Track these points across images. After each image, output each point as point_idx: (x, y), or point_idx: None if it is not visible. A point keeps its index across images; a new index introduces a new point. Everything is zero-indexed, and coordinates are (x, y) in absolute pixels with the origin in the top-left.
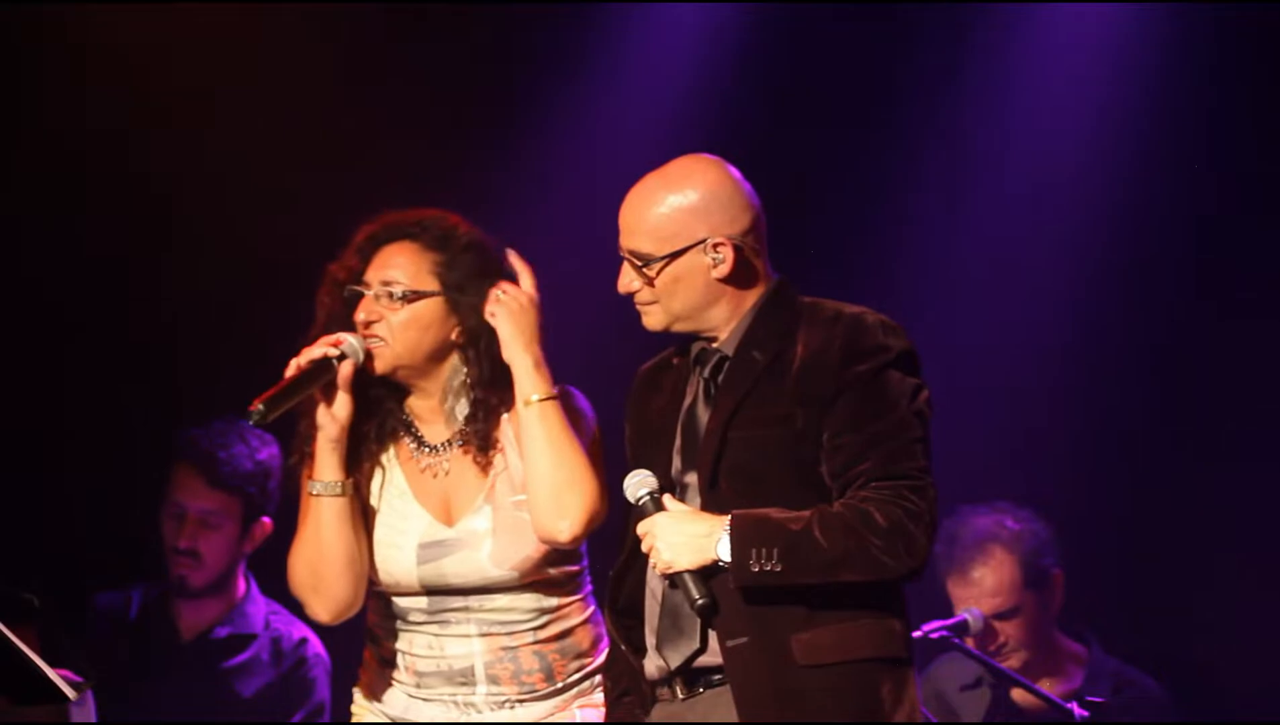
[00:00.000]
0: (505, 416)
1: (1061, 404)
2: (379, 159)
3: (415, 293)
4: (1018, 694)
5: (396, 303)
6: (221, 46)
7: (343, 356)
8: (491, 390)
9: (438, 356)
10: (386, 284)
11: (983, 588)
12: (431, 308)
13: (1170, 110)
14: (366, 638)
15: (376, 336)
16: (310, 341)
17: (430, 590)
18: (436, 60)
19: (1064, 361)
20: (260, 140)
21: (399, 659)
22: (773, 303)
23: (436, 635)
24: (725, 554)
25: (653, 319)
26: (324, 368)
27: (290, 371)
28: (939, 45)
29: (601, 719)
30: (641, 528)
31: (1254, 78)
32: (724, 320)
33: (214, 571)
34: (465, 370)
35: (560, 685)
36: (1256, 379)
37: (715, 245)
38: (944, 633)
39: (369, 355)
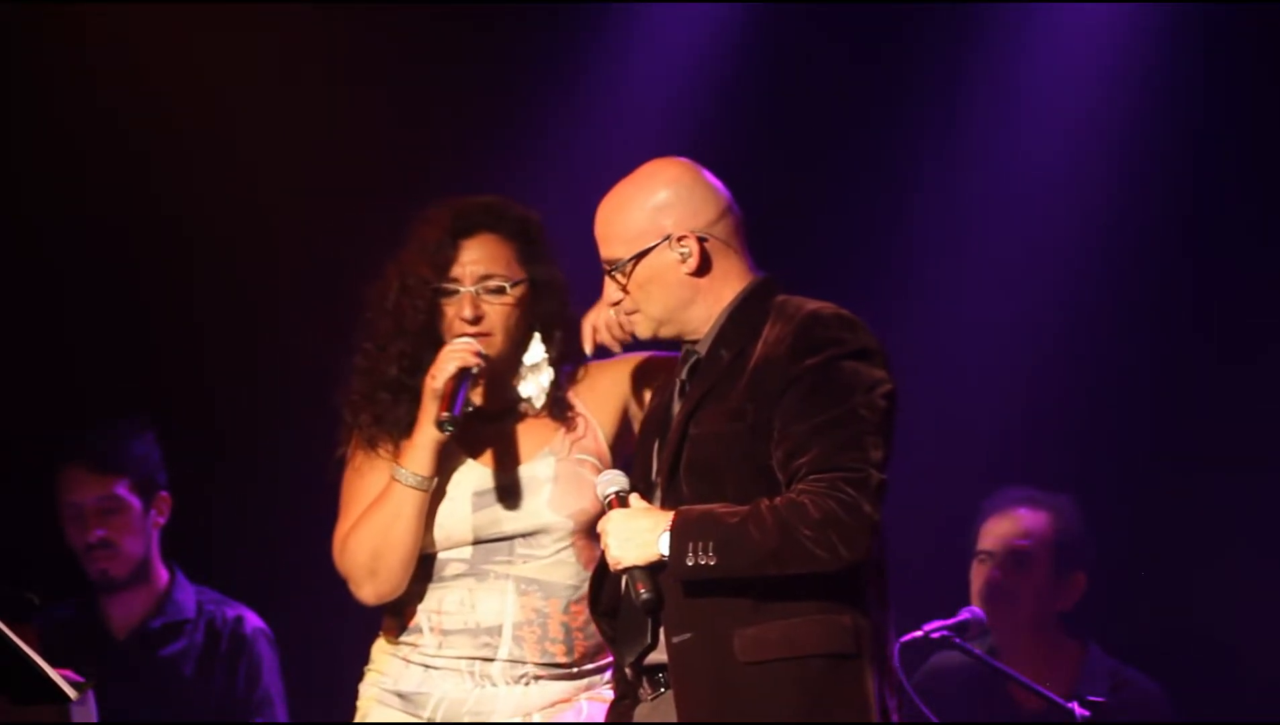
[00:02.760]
0: (576, 393)
1: (1062, 405)
2: (379, 159)
3: (515, 282)
4: (1017, 693)
5: (496, 296)
6: (220, 46)
7: (482, 367)
8: (562, 363)
9: (524, 341)
10: (484, 278)
11: (1014, 525)
12: (524, 295)
13: (1171, 111)
14: (386, 610)
15: (485, 332)
16: (399, 346)
17: (480, 539)
18: (436, 60)
19: (1065, 362)
20: (260, 141)
21: (424, 621)
22: (746, 301)
23: (471, 590)
24: (665, 549)
25: (640, 327)
26: (467, 374)
27: (446, 382)
28: (940, 46)
29: (604, 716)
30: (599, 527)
31: (1255, 78)
32: (703, 320)
33: (132, 557)
34: (543, 348)
35: (575, 670)
36: (1257, 379)
37: (679, 239)
38: (944, 633)
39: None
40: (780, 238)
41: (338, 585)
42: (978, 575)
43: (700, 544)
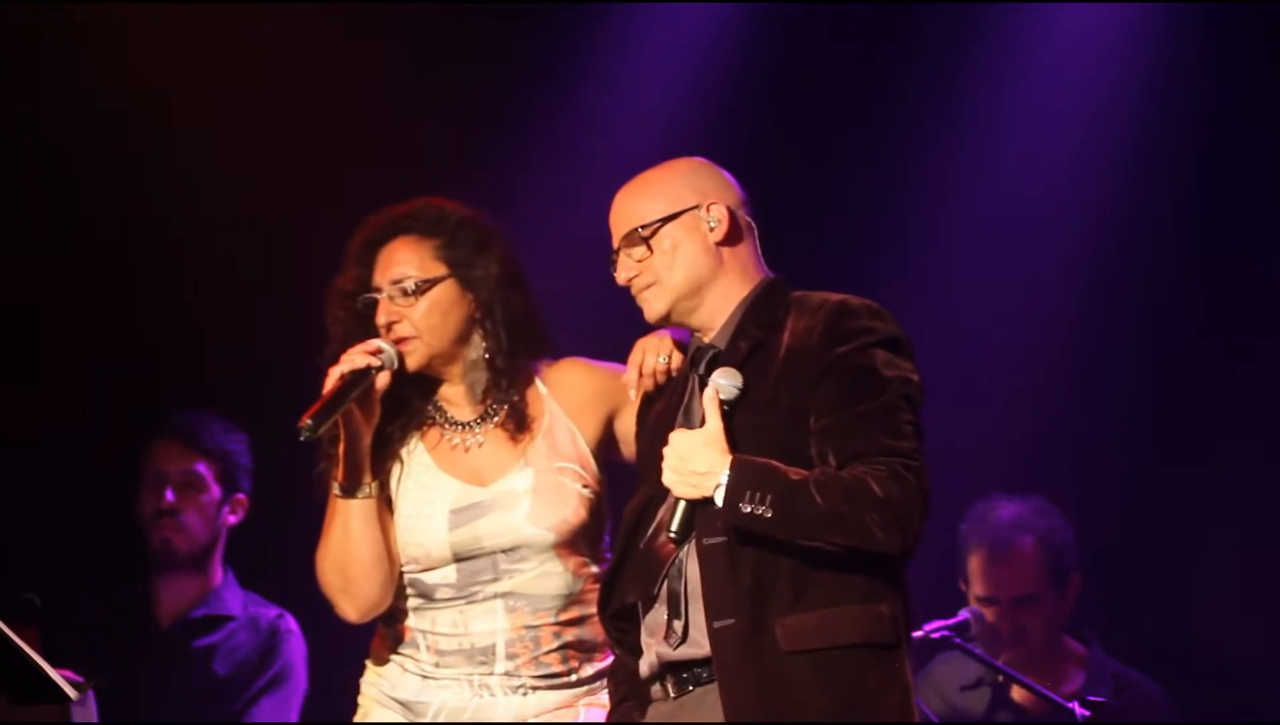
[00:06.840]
0: (541, 386)
1: (1063, 404)
2: (378, 159)
3: (427, 281)
4: (1018, 693)
5: (412, 297)
6: (220, 46)
7: (381, 367)
8: (512, 358)
9: (462, 337)
10: (397, 282)
11: (1010, 570)
12: (446, 291)
13: (1173, 112)
14: (382, 621)
15: (403, 336)
16: (336, 358)
17: (461, 557)
18: (436, 60)
19: (1066, 362)
20: (261, 140)
21: (420, 639)
22: (762, 297)
23: (461, 611)
24: (719, 498)
25: (655, 303)
26: (363, 377)
27: (332, 383)
28: (941, 47)
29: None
30: (675, 433)
31: (1256, 79)
32: (716, 310)
33: (195, 537)
34: (484, 344)
35: (574, 679)
36: (1258, 379)
37: (710, 206)
38: (945, 632)
39: (401, 357)
40: (780, 238)
41: None
42: (982, 620)
43: (759, 494)
